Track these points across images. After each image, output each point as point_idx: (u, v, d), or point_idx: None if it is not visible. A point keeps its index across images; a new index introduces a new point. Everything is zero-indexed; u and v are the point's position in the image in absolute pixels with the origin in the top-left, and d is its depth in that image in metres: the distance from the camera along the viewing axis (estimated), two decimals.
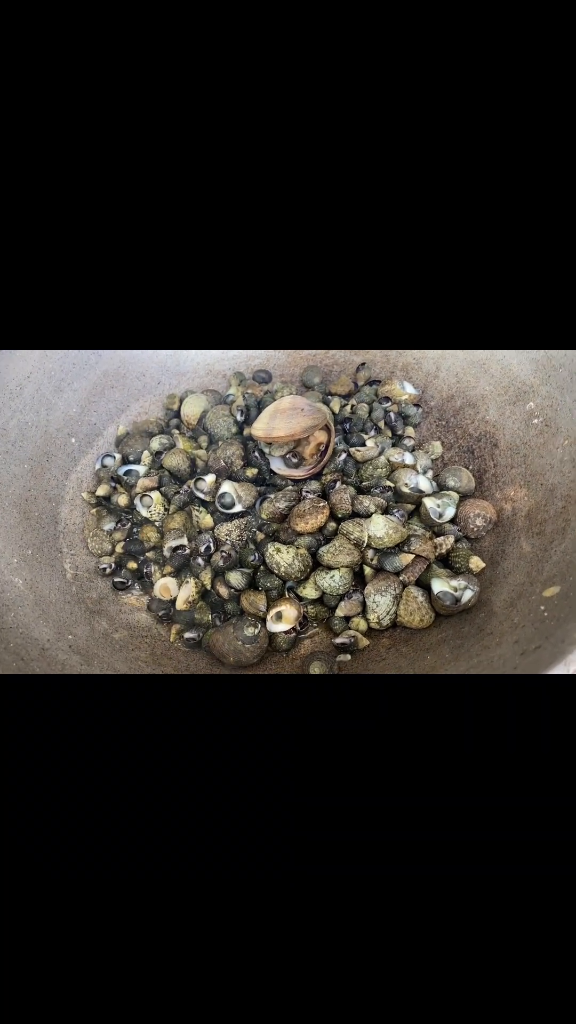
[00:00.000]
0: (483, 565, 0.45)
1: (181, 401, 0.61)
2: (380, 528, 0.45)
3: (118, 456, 0.57)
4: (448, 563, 0.46)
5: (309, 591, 0.46)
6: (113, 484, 0.54)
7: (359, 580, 0.47)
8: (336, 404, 0.58)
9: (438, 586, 0.43)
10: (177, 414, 0.61)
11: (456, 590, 0.43)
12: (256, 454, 0.55)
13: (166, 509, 0.52)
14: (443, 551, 0.46)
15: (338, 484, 0.50)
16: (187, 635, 0.46)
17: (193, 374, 0.64)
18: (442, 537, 0.47)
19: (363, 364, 0.62)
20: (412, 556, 0.45)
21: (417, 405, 0.58)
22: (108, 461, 0.56)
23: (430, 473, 0.54)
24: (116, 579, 0.50)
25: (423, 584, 0.45)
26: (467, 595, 0.42)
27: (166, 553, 0.49)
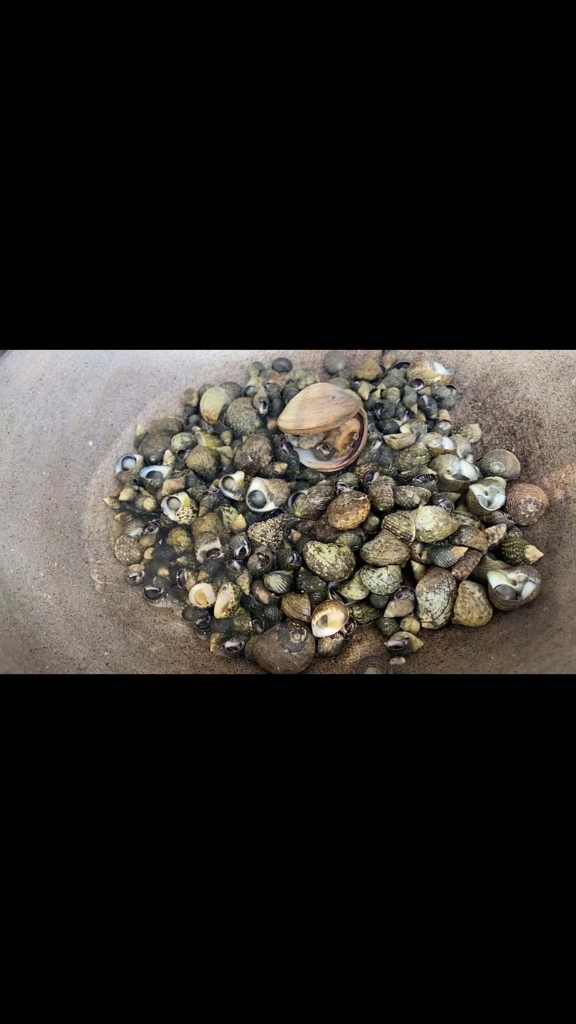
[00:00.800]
0: (540, 554, 0.42)
1: (199, 396, 0.58)
2: (429, 520, 0.42)
3: (139, 458, 0.54)
4: (501, 554, 0.44)
5: (354, 592, 0.43)
6: (137, 487, 0.51)
7: (407, 577, 0.44)
8: (365, 390, 0.55)
9: (496, 580, 0.40)
10: (196, 410, 0.58)
11: (515, 583, 0.40)
12: (284, 447, 0.52)
13: (195, 511, 0.49)
14: (495, 541, 0.43)
15: (376, 475, 0.47)
16: (228, 644, 0.43)
17: (209, 367, 0.61)
18: (493, 527, 0.44)
19: None
20: (464, 549, 0.42)
21: (451, 386, 0.55)
22: (129, 463, 0.53)
23: (470, 458, 0.51)
24: (147, 587, 0.47)
25: (478, 578, 0.42)
26: (528, 588, 0.40)
27: (199, 558, 0.46)
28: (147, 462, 0.54)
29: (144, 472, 0.52)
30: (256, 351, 0.62)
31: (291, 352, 0.62)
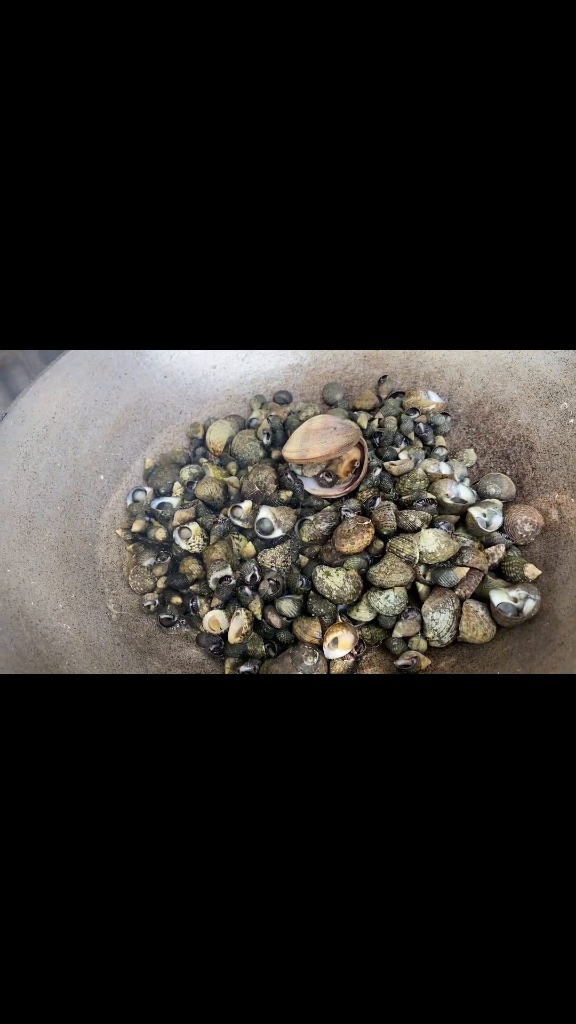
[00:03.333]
0: (539, 572, 0.44)
1: (205, 429, 0.60)
2: (431, 543, 0.44)
3: (149, 490, 0.56)
4: (502, 573, 0.46)
5: (363, 613, 0.45)
6: (148, 518, 0.53)
7: (413, 598, 0.46)
8: (363, 419, 0.58)
9: (498, 597, 0.42)
10: (203, 442, 0.60)
11: (517, 600, 0.42)
12: (288, 476, 0.54)
13: (206, 540, 0.51)
14: (495, 561, 0.45)
15: (378, 500, 0.49)
16: (243, 668, 0.45)
17: (213, 401, 0.64)
18: (493, 547, 0.46)
19: (384, 377, 0.62)
20: (466, 569, 0.44)
21: (445, 414, 0.58)
22: (139, 495, 0.55)
23: (467, 481, 0.53)
24: (162, 615, 0.49)
25: (480, 597, 0.44)
26: (529, 605, 0.41)
27: (212, 585, 0.48)
28: (157, 494, 0.56)
29: (155, 503, 0.54)
30: (257, 385, 0.64)
31: (291, 384, 0.64)
